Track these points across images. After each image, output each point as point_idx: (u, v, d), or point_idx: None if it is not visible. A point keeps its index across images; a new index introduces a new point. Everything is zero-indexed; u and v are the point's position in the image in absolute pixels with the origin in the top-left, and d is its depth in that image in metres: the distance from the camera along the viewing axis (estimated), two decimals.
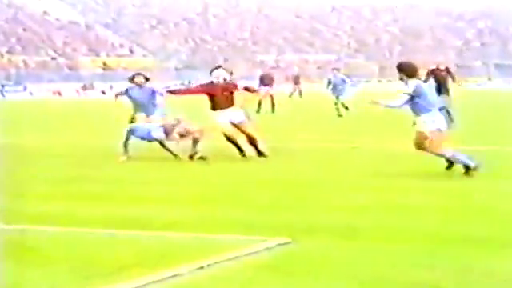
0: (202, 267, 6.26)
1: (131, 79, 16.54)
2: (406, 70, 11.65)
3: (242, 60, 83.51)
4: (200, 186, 11.09)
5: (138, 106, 16.33)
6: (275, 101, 31.39)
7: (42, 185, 11.44)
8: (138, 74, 16.98)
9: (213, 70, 14.98)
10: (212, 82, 14.63)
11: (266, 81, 31.63)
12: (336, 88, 29.11)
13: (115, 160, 14.39)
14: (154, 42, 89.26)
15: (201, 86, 15.52)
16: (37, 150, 17.38)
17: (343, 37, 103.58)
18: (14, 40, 80.00)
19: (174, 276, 6.04)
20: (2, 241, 7.23)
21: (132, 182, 11.74)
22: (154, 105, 16.27)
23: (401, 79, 11.72)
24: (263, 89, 28.13)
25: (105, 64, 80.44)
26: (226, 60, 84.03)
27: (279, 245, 7.00)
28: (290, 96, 47.19)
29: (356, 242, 7.09)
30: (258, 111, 28.56)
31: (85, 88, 71.87)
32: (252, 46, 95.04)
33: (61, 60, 79.08)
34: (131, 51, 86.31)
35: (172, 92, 15.91)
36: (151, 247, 7.14)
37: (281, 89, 41.71)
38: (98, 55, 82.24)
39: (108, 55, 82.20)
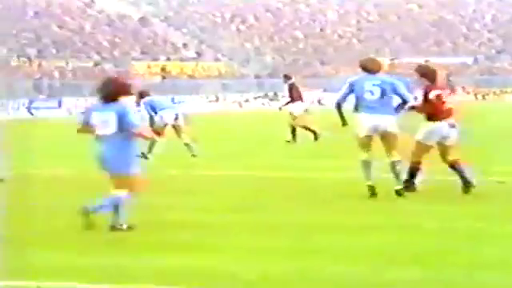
0: None
1: None
2: None
3: (346, 63, 68.31)
4: None
5: None
6: None
7: None
8: None
9: None
10: None
11: None
12: None
13: None
14: (228, 42, 76.37)
15: None
16: None
17: (482, 32, 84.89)
18: (46, 40, 68.16)
19: None
20: None
21: None
22: None
23: None
24: None
25: (164, 70, 69.25)
26: (323, 63, 72.78)
27: None
28: None
29: None
30: None
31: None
32: (358, 44, 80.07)
33: (107, 66, 67.69)
34: (199, 54, 74.01)
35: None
36: None
37: None
38: (155, 59, 70.55)
39: (168, 59, 70.76)
